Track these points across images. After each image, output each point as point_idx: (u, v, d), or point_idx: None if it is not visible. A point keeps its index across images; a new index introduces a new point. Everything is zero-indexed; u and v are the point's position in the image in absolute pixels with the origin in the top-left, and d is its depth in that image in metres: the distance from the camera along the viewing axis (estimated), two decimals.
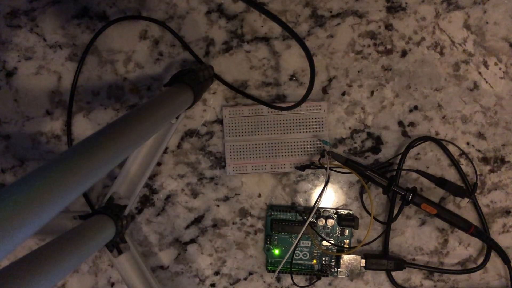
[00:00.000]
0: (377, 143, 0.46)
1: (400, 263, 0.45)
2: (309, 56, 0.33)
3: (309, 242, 0.46)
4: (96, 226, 0.35)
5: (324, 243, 0.45)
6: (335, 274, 0.46)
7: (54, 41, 0.47)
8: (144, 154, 0.41)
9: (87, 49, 0.46)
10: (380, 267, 0.45)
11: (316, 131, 0.45)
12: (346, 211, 0.46)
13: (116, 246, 0.40)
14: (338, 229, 0.46)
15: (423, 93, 0.46)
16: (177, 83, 0.37)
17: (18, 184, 0.19)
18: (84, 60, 0.46)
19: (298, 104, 0.37)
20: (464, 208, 0.46)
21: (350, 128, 0.46)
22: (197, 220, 0.47)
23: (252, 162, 0.46)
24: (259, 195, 0.47)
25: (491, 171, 0.46)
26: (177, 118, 0.40)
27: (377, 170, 0.43)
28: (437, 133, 0.46)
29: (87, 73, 0.47)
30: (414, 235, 0.46)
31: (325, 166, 0.43)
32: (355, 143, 0.46)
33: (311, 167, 0.44)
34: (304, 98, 0.36)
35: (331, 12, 0.46)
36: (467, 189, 0.45)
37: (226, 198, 0.47)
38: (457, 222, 0.44)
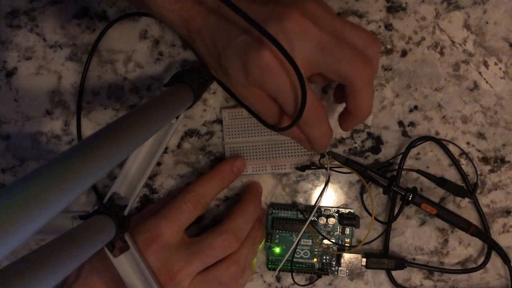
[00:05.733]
0: (377, 143, 0.46)
1: (401, 262, 0.45)
2: (292, 63, 0.33)
3: (310, 241, 0.46)
4: (96, 226, 0.35)
5: (325, 241, 0.45)
6: (336, 273, 0.46)
7: (54, 41, 0.47)
8: (144, 154, 0.41)
9: (92, 50, 0.46)
10: (381, 266, 0.45)
11: None
12: (347, 210, 0.46)
13: (116, 246, 0.40)
14: (339, 228, 0.46)
15: (423, 93, 0.46)
16: (177, 83, 0.37)
17: (18, 184, 0.19)
18: (90, 62, 0.46)
19: (292, 124, 0.35)
20: (464, 208, 0.46)
21: None
22: (197, 220, 0.47)
23: (252, 164, 0.46)
24: None
25: (491, 171, 0.46)
26: (177, 118, 0.39)
27: (377, 170, 0.43)
28: (437, 133, 0.46)
29: (87, 73, 0.47)
30: (414, 235, 0.46)
31: (325, 166, 0.43)
32: (355, 143, 0.46)
33: (312, 167, 0.44)
34: (297, 119, 0.34)
35: None
36: (468, 189, 0.45)
37: (226, 198, 0.47)
38: (457, 222, 0.44)
